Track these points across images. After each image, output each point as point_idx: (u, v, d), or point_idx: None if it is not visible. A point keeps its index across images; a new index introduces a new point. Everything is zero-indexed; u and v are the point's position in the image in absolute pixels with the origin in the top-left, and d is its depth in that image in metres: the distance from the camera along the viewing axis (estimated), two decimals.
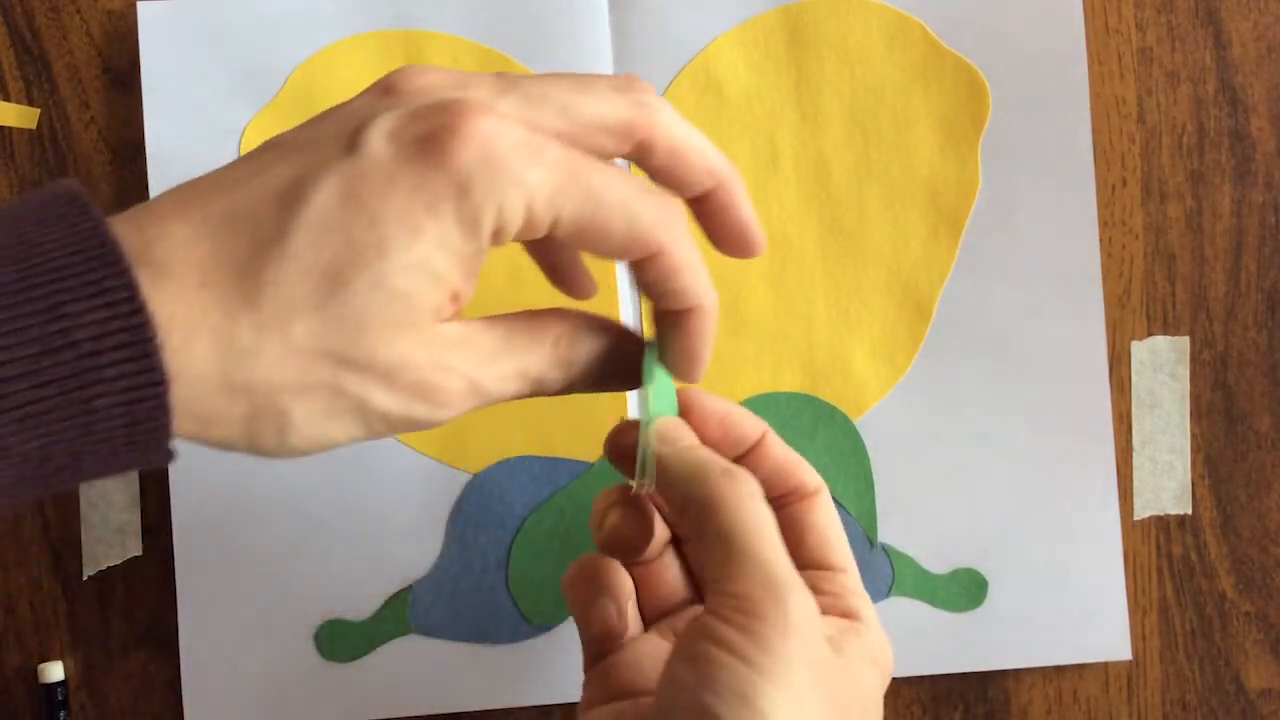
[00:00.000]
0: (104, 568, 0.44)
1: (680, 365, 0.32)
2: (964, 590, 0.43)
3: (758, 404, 0.43)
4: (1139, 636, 0.44)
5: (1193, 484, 0.44)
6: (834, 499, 0.43)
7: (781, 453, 0.34)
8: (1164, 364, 0.44)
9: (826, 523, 0.34)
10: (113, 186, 0.44)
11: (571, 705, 0.44)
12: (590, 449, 0.44)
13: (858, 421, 0.44)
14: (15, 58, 0.44)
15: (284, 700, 0.43)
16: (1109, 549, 0.43)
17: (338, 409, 0.28)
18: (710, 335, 0.32)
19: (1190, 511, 0.44)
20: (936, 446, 0.43)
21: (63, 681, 0.44)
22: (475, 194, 0.27)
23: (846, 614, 0.33)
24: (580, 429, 0.43)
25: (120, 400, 0.25)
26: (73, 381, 0.25)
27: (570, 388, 0.32)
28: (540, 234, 0.29)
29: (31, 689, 0.44)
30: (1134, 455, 0.44)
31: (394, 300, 0.28)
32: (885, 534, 0.43)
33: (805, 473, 0.34)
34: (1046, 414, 0.43)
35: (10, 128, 0.44)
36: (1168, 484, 0.44)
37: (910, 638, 0.43)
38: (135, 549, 0.44)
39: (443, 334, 0.29)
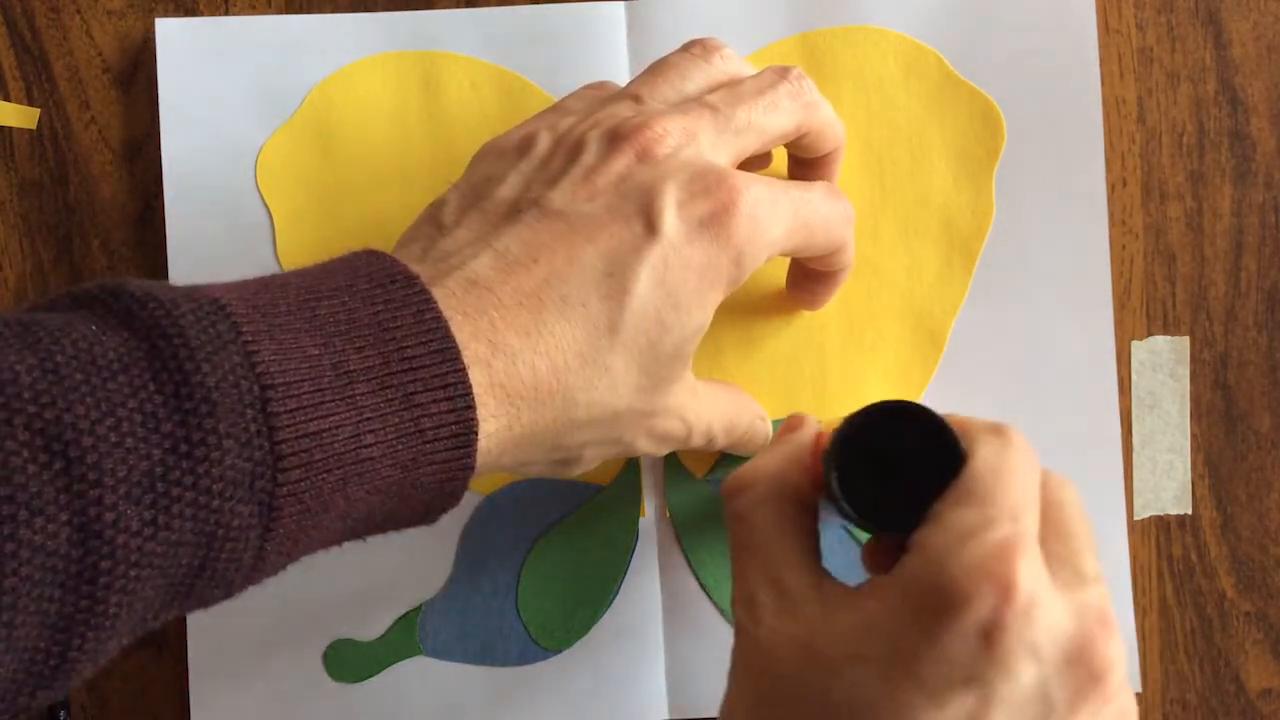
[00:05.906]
0: None
1: (817, 305, 0.42)
2: None
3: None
4: (1139, 636, 0.44)
5: (1193, 484, 0.44)
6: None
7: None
8: (1164, 364, 0.44)
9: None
10: (112, 187, 0.44)
11: None
12: (601, 473, 0.43)
13: None
14: (15, 58, 0.44)
15: None
16: (1117, 574, 0.43)
17: (613, 451, 0.34)
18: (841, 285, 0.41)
19: (1190, 511, 0.44)
20: None
21: None
22: (744, 262, 0.33)
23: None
24: None
25: (437, 478, 0.29)
26: (413, 463, 0.28)
27: (720, 450, 0.40)
28: None
29: None
30: (1134, 455, 0.44)
31: (681, 362, 0.33)
32: None
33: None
34: (1058, 443, 0.43)
35: (10, 128, 0.44)
36: (1168, 484, 0.44)
37: None
38: None
39: (687, 381, 0.35)
